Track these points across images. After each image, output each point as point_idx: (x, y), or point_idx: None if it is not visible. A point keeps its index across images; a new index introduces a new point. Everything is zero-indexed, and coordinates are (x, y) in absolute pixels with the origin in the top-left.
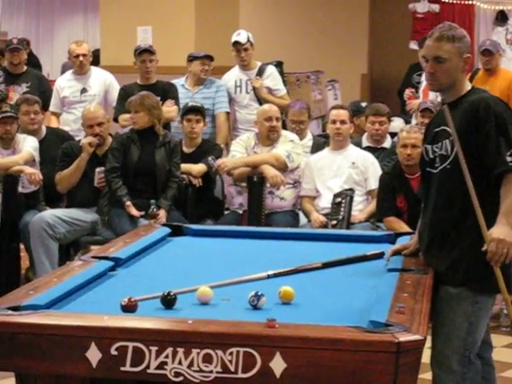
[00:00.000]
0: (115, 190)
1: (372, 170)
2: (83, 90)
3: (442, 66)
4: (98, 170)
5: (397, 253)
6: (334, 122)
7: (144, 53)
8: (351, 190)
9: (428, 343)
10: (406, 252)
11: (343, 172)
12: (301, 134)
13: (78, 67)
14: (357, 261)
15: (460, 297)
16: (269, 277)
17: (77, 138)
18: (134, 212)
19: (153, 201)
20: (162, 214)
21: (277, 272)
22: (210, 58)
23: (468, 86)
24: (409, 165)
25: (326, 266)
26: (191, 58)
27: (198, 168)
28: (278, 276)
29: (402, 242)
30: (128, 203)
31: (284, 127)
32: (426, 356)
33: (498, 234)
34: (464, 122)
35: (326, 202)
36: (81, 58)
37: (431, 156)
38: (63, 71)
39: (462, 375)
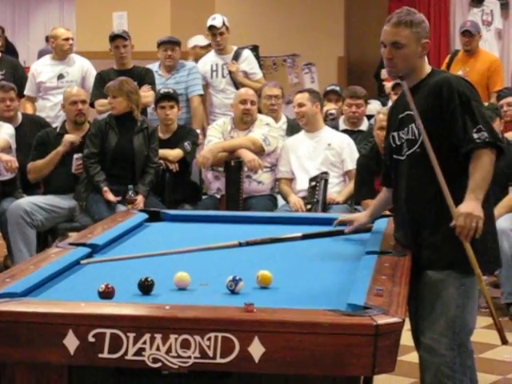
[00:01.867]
0: (93, 176)
1: (348, 151)
2: (60, 76)
3: (399, 52)
4: (75, 156)
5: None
6: (294, 107)
7: (117, 38)
8: (326, 173)
9: (407, 325)
10: (348, 230)
11: (319, 154)
12: (276, 112)
13: (65, 51)
14: (336, 234)
15: (445, 280)
16: (241, 245)
17: (54, 125)
18: (111, 197)
19: (130, 186)
20: (140, 199)
21: (250, 240)
22: (174, 42)
23: (428, 70)
24: None
25: (306, 237)
26: (158, 44)
27: (175, 153)
28: (251, 245)
29: (379, 224)
30: (105, 189)
31: (259, 112)
32: (405, 338)
33: (466, 208)
34: (428, 104)
35: (302, 184)
36: (70, 42)
37: (398, 143)
38: (40, 58)
39: (452, 359)
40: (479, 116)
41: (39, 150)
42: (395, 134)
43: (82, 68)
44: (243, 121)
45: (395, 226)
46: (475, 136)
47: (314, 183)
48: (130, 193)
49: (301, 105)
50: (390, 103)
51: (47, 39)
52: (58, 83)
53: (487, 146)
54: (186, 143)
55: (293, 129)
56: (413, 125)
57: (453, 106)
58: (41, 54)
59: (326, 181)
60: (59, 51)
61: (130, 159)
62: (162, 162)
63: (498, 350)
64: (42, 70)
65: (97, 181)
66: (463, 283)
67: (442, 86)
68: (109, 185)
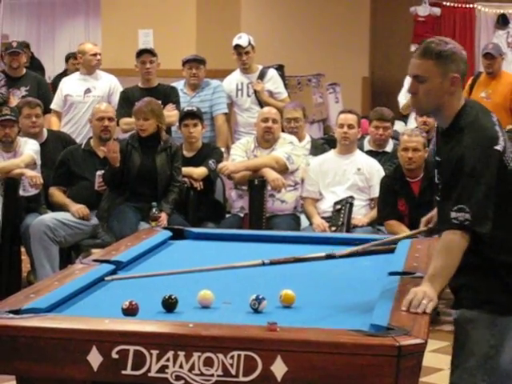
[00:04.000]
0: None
1: (377, 178)
2: (87, 91)
3: (423, 86)
4: (98, 173)
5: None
6: (341, 126)
7: (144, 53)
8: (351, 197)
9: (429, 346)
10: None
11: (348, 178)
12: (297, 134)
13: (93, 66)
14: (359, 254)
15: (476, 320)
16: (264, 264)
17: (77, 139)
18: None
19: (154, 203)
20: (163, 216)
21: (273, 260)
22: (199, 61)
23: (458, 107)
24: (410, 168)
25: (330, 257)
26: (183, 62)
27: (199, 171)
28: (275, 264)
29: (402, 245)
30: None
31: (282, 131)
32: (427, 359)
33: (419, 288)
34: (445, 170)
35: (328, 205)
36: (98, 57)
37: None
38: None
39: None
40: (469, 194)
41: (61, 170)
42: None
43: (109, 83)
44: (265, 139)
45: None
46: (453, 215)
47: (339, 206)
48: (154, 210)
49: (351, 126)
50: (410, 123)
51: (67, 60)
52: (84, 97)
53: (463, 228)
54: (210, 161)
55: (316, 149)
56: (436, 171)
57: (447, 177)
58: (66, 71)
59: (351, 204)
60: (87, 66)
61: (153, 179)
62: (186, 179)
63: None
64: (69, 83)
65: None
66: (496, 323)
67: (456, 155)
68: (132, 203)
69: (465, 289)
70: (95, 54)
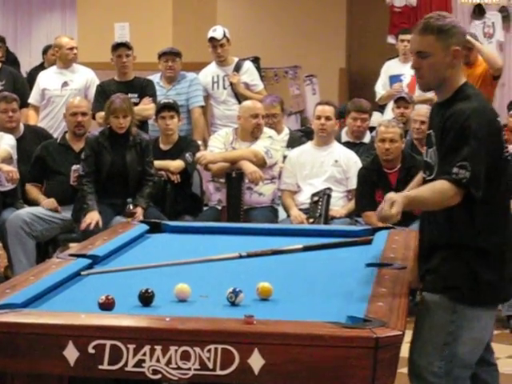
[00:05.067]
0: (85, 196)
1: (354, 170)
2: (64, 84)
3: (425, 62)
4: (73, 168)
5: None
6: (318, 117)
7: (120, 47)
8: (329, 188)
9: (407, 338)
10: None
11: (326, 169)
12: (275, 128)
13: (70, 60)
14: (343, 246)
15: (438, 304)
16: (241, 256)
17: (55, 134)
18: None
19: (129, 199)
20: (139, 212)
21: (250, 252)
22: (175, 54)
23: (461, 81)
24: (387, 159)
25: (307, 249)
26: (159, 55)
27: (176, 164)
28: (252, 257)
29: (379, 236)
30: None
31: None
32: (405, 350)
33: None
34: (442, 132)
35: (305, 197)
36: (75, 51)
37: (424, 158)
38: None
39: None
40: (470, 154)
41: (37, 166)
42: (425, 148)
43: (86, 77)
44: (254, 135)
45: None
46: (454, 170)
47: (316, 198)
48: (130, 206)
49: (328, 118)
50: (386, 114)
51: (45, 52)
52: (61, 91)
53: (459, 185)
54: (187, 154)
55: (294, 141)
56: (431, 149)
57: (453, 134)
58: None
59: (329, 196)
60: (64, 60)
61: (124, 175)
62: (163, 173)
63: (498, 362)
64: (46, 77)
65: (87, 203)
66: (456, 310)
67: (457, 117)
68: (105, 199)
69: (430, 272)
70: (72, 48)
